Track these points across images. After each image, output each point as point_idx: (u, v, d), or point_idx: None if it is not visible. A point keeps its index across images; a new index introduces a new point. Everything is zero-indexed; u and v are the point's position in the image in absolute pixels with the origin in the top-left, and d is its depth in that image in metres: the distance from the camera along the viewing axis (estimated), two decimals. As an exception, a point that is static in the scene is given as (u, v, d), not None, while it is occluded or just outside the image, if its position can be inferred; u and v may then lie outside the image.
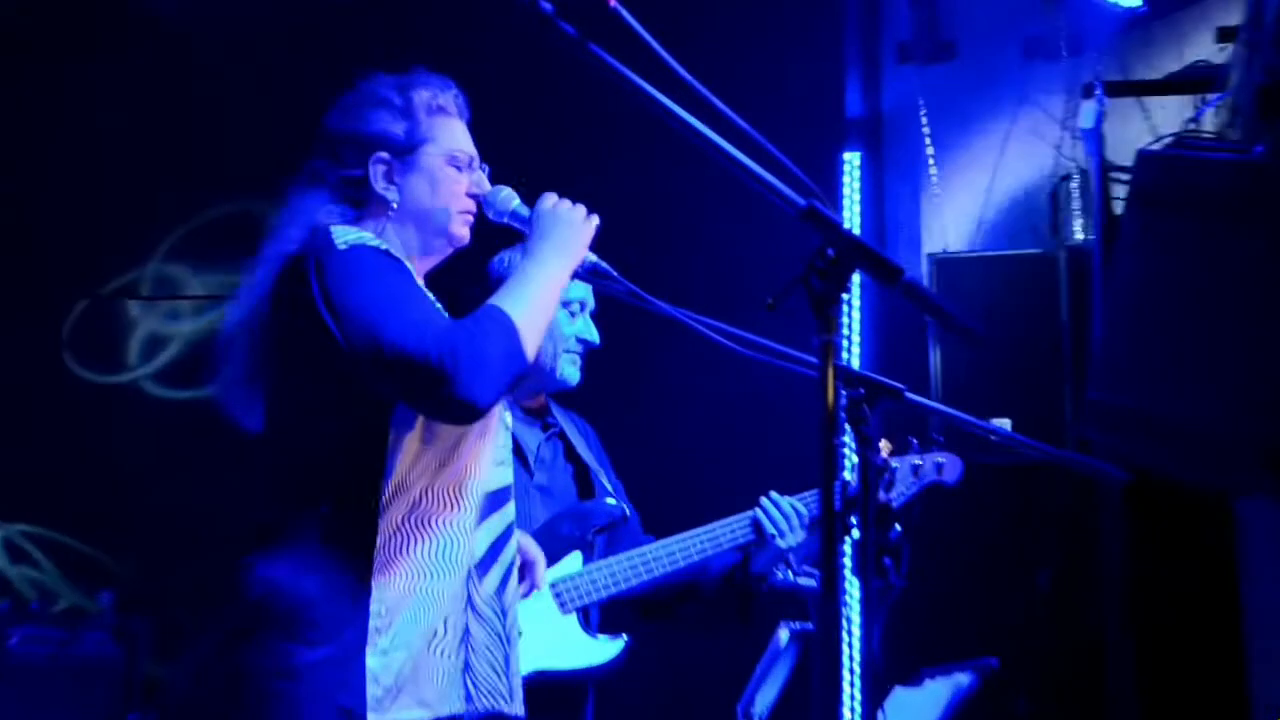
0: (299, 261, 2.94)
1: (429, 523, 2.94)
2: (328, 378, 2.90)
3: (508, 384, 2.86)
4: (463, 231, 3.18)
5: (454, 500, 2.97)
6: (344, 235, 2.97)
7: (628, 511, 4.14)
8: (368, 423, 2.92)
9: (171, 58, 6.51)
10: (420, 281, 3.06)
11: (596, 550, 4.06)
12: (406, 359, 2.77)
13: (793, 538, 4.15)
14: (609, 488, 4.22)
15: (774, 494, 4.20)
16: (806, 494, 4.22)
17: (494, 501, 3.06)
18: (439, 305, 2.99)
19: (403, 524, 2.91)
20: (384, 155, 3.12)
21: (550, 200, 3.14)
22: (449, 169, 3.16)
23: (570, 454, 4.19)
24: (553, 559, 3.93)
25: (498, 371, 2.83)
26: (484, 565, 3.02)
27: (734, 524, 4.17)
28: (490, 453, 3.06)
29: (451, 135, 3.20)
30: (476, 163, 3.24)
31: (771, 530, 4.14)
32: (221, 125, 6.43)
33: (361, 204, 3.12)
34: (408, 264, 3.02)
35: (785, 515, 4.16)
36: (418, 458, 2.94)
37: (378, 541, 2.88)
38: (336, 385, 2.90)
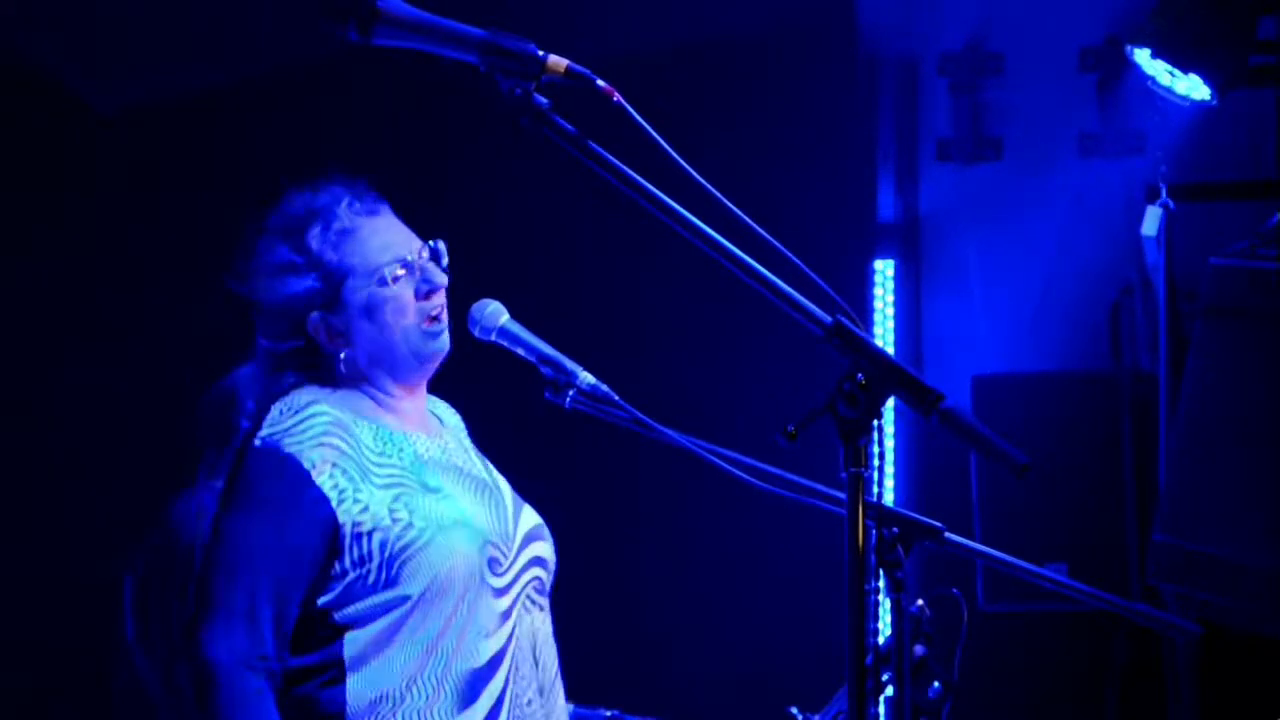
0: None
1: (403, 716, 2.97)
2: None
3: None
4: (433, 346, 3.16)
5: (434, 686, 2.99)
6: (272, 424, 3.05)
7: None
8: (315, 628, 3.00)
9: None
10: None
11: None
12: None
13: None
14: None
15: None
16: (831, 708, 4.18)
17: (477, 680, 3.05)
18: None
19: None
20: (314, 316, 3.13)
21: None
22: (383, 289, 3.12)
23: None
24: None
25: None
26: None
27: None
28: (474, 625, 3.04)
29: (371, 248, 3.14)
30: (416, 253, 3.16)
31: None
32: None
33: (322, 368, 3.15)
34: (356, 429, 3.06)
35: None
36: (392, 654, 2.98)
37: None
38: None
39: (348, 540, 2.97)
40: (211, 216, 6.08)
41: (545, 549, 3.22)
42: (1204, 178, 6.13)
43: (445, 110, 5.58)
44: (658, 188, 2.38)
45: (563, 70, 2.36)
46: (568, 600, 6.02)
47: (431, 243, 3.20)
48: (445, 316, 3.18)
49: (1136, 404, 5.90)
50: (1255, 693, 5.63)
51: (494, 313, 3.21)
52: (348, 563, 2.97)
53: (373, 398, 3.15)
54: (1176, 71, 5.54)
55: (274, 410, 3.05)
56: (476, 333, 3.21)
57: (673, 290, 6.02)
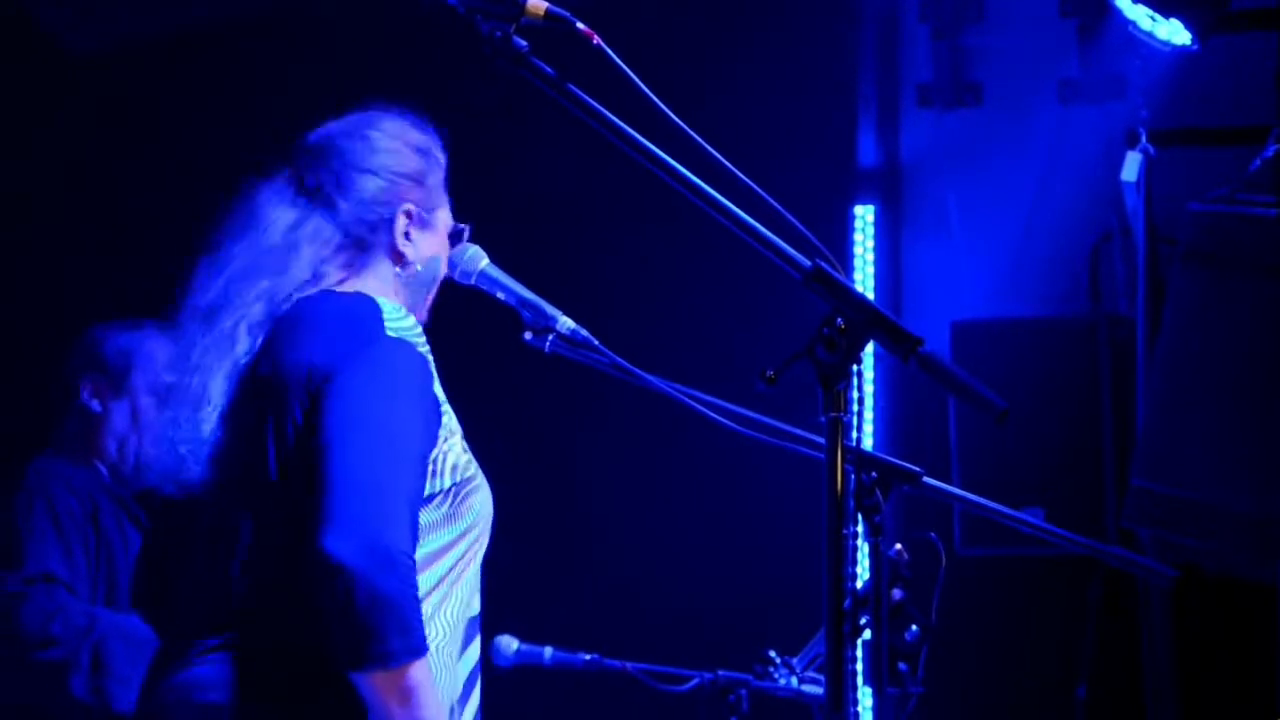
0: (323, 328, 2.89)
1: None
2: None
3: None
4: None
5: (449, 627, 2.97)
6: (394, 319, 2.92)
7: None
8: None
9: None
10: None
11: None
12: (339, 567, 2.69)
13: None
14: None
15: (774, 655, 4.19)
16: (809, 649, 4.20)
17: (472, 629, 3.07)
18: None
19: None
20: (412, 207, 3.09)
21: None
22: (451, 244, 3.17)
23: None
24: None
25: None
26: (464, 697, 3.03)
27: None
28: (476, 578, 3.06)
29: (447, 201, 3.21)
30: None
31: None
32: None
33: (365, 250, 3.06)
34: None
35: None
36: (428, 584, 2.92)
37: None
38: None
39: (438, 452, 2.93)
40: (183, 159, 6.08)
41: None
42: (1184, 123, 6.13)
43: (423, 51, 5.55)
44: (638, 132, 2.37)
45: (542, 13, 2.36)
46: (548, 546, 6.06)
47: None
48: None
49: (1115, 349, 5.91)
50: (1229, 636, 5.67)
51: (474, 257, 3.21)
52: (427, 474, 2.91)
53: None
54: (1157, 16, 5.53)
55: (385, 306, 2.94)
56: (456, 276, 3.22)
57: (652, 234, 6.01)
